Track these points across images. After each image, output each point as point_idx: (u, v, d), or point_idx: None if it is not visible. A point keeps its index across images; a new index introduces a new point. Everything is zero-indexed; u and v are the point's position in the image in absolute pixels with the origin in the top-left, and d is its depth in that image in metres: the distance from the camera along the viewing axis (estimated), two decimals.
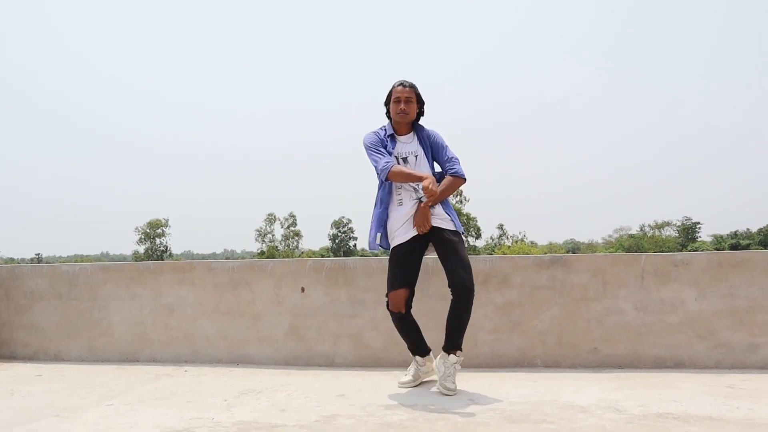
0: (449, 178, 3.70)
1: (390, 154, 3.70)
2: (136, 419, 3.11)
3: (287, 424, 2.96)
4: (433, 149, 3.79)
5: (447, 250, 3.60)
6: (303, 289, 4.42)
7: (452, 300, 3.56)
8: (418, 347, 3.75)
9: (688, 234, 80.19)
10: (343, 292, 4.36)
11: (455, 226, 3.68)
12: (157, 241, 76.34)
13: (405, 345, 3.96)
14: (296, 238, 78.56)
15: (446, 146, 3.79)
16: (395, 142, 3.77)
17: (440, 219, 3.65)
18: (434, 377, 3.74)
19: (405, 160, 3.72)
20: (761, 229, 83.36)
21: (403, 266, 3.66)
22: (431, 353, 3.80)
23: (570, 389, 3.50)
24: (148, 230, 75.77)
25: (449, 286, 3.55)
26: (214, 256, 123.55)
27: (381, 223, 3.73)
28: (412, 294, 3.67)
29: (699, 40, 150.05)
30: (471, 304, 3.53)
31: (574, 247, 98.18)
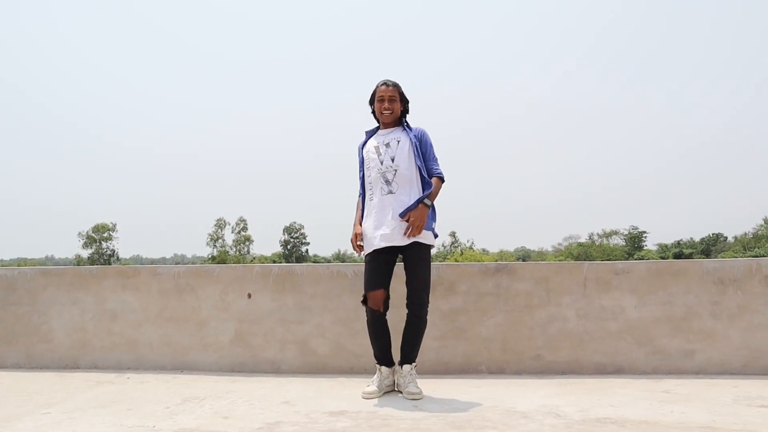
0: (437, 180, 3.74)
1: (367, 144, 3.85)
2: (74, 428, 3.03)
3: None
4: (422, 145, 3.80)
5: (411, 267, 3.68)
6: (250, 295, 4.38)
7: (407, 316, 3.70)
8: (385, 356, 3.75)
9: (634, 242, 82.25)
10: (290, 298, 4.34)
11: (431, 240, 3.71)
12: (104, 245, 74.64)
13: (352, 352, 3.97)
14: (247, 243, 77.81)
15: (432, 146, 3.84)
16: (374, 135, 3.88)
17: (393, 233, 3.64)
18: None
19: (387, 145, 3.76)
20: (703, 238, 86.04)
21: (376, 269, 3.68)
22: (396, 366, 3.78)
23: (513, 395, 3.55)
24: (93, 234, 73.97)
25: (406, 301, 3.70)
26: (164, 260, 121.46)
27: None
28: (388, 296, 3.70)
29: (655, 63, 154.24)
30: (424, 322, 3.68)
31: (524, 255, 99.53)
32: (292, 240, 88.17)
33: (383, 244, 3.63)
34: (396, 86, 3.83)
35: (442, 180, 3.76)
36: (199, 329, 4.42)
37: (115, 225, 75.54)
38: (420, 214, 3.60)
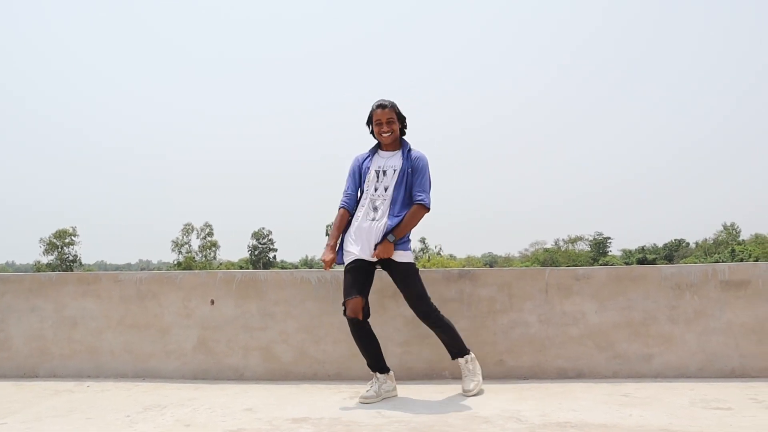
0: (415, 208, 3.79)
1: (368, 169, 3.88)
2: None
3: None
4: (413, 172, 3.85)
5: (401, 283, 3.81)
6: (213, 302, 4.35)
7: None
8: (377, 362, 3.76)
9: (599, 248, 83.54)
10: (254, 305, 4.32)
11: (407, 258, 3.82)
12: (66, 250, 73.27)
13: (316, 358, 3.97)
14: (214, 248, 77.07)
15: (424, 173, 3.86)
16: (375, 157, 3.94)
17: (396, 252, 3.78)
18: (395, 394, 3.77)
19: (384, 173, 3.84)
20: (666, 244, 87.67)
21: (354, 279, 3.74)
22: (392, 372, 3.82)
23: (475, 400, 3.58)
24: (54, 240, 72.55)
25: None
26: (129, 266, 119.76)
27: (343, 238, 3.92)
28: (366, 303, 3.73)
29: (623, 78, 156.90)
30: (440, 321, 3.78)
31: (491, 261, 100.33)
32: (260, 246, 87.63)
33: (359, 255, 3.76)
34: (393, 107, 3.88)
35: (423, 207, 3.80)
36: (162, 336, 4.38)
37: (75, 229, 74.19)
38: (384, 248, 3.71)
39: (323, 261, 3.83)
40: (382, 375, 3.74)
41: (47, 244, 72.65)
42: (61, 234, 73.09)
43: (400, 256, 3.77)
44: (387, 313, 4.21)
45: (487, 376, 4.14)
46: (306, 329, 4.25)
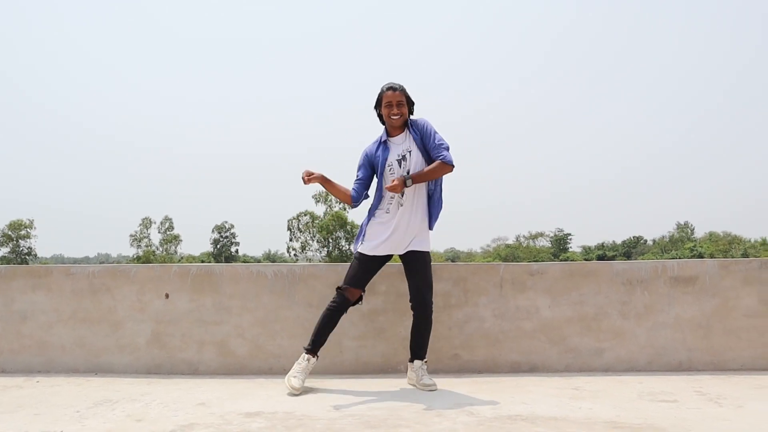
0: (436, 162, 3.80)
1: (385, 160, 3.86)
2: None
3: None
4: (423, 138, 3.87)
5: (413, 268, 3.85)
6: (167, 296, 4.30)
7: (414, 316, 3.87)
8: (320, 346, 3.83)
9: (559, 244, 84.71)
10: (209, 299, 4.28)
11: (427, 246, 3.89)
12: (21, 243, 71.53)
13: (271, 352, 3.97)
14: (175, 242, 76.08)
15: (435, 133, 3.88)
16: (387, 148, 3.90)
17: (418, 240, 3.85)
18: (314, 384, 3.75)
19: (403, 158, 3.84)
20: (625, 241, 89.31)
21: (369, 272, 3.89)
22: (410, 363, 3.91)
23: (430, 395, 3.61)
24: (9, 232, 70.78)
25: (410, 301, 3.84)
26: (87, 260, 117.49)
27: (362, 233, 3.96)
28: (362, 295, 3.91)
29: (588, 80, 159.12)
30: (431, 320, 3.85)
31: (454, 256, 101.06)
32: (222, 239, 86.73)
33: (385, 252, 3.85)
34: (403, 90, 3.88)
35: (446, 165, 3.81)
36: (115, 330, 4.31)
37: (32, 221, 72.46)
38: (395, 184, 3.71)
39: (311, 174, 3.86)
40: (313, 360, 3.82)
41: (1, 236, 70.83)
42: (16, 225, 71.31)
43: (422, 245, 3.85)
44: None
45: (442, 370, 4.18)
46: (262, 323, 4.24)
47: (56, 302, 4.36)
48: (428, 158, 3.85)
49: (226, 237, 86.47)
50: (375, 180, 3.99)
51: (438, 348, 4.20)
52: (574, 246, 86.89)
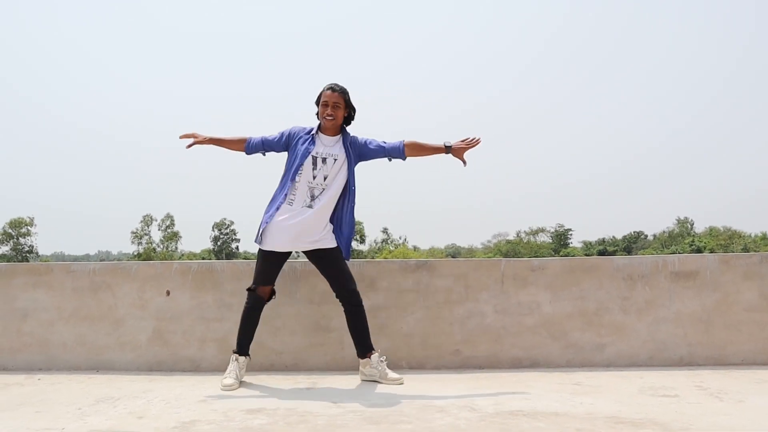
0: (406, 142, 3.93)
1: (306, 153, 3.80)
2: None
3: None
4: (360, 150, 3.90)
5: (326, 263, 3.83)
6: (168, 293, 4.31)
7: (344, 310, 3.87)
8: (248, 345, 3.90)
9: (560, 240, 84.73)
10: (210, 296, 4.29)
11: (336, 242, 3.84)
12: (21, 241, 71.53)
13: (273, 349, 3.98)
14: (175, 239, 76.11)
15: (367, 138, 3.94)
16: (314, 142, 3.86)
17: (318, 237, 3.79)
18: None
19: (324, 161, 3.79)
20: (625, 236, 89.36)
21: (273, 267, 3.88)
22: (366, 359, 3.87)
23: (431, 390, 3.62)
24: (9, 230, 70.76)
25: (337, 297, 3.83)
26: (87, 257, 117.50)
27: (261, 226, 3.87)
28: (273, 290, 3.95)
29: (587, 72, 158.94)
30: (362, 308, 3.82)
31: (455, 252, 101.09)
32: (222, 236, 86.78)
33: (287, 248, 3.81)
34: (343, 92, 3.84)
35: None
36: (116, 328, 4.32)
37: (32, 219, 72.47)
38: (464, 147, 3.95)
39: (194, 135, 3.89)
40: (244, 359, 3.87)
41: (2, 234, 70.82)
42: (16, 223, 71.30)
43: (330, 242, 3.82)
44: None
45: (443, 366, 4.19)
46: (263, 320, 4.22)
47: (57, 300, 4.36)
48: (352, 173, 3.86)
49: (227, 234, 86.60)
50: (280, 162, 3.97)
51: (439, 344, 4.20)
52: (575, 241, 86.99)
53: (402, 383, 3.74)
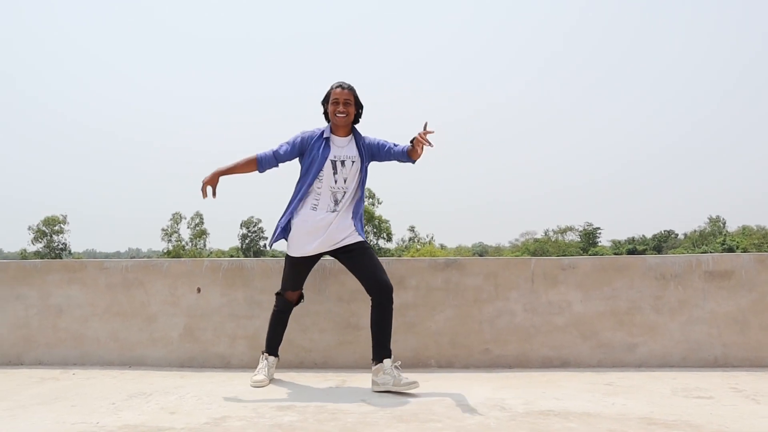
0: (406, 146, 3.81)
1: (324, 158, 3.75)
2: (14, 425, 2.98)
3: (175, 427, 2.91)
4: (373, 151, 3.87)
5: (356, 258, 3.75)
6: (199, 290, 4.35)
7: (373, 304, 3.69)
8: (277, 347, 3.94)
9: (589, 239, 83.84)
10: (240, 293, 4.32)
11: (361, 236, 3.81)
12: (55, 238, 72.84)
13: (302, 346, 4.00)
14: (203, 237, 76.87)
15: (380, 140, 3.89)
16: (329, 145, 3.79)
17: (346, 235, 3.75)
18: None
19: (343, 164, 3.76)
20: (655, 235, 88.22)
21: (302, 273, 3.88)
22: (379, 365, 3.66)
23: (460, 389, 3.60)
24: (43, 228, 72.10)
25: (368, 293, 3.70)
26: (118, 254, 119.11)
27: (285, 227, 3.83)
28: (302, 294, 3.99)
29: (616, 70, 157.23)
30: (391, 305, 3.67)
31: (482, 250, 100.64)
32: (249, 234, 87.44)
33: (314, 251, 3.75)
34: (352, 90, 3.82)
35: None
36: (148, 324, 4.37)
37: (65, 217, 73.76)
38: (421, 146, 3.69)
39: (203, 183, 3.75)
40: (273, 359, 3.92)
41: (36, 232, 72.19)
42: (50, 221, 72.60)
43: (355, 237, 3.78)
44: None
45: (473, 365, 4.17)
46: (292, 318, 4.24)
47: (91, 296, 4.43)
48: (366, 172, 3.86)
49: (254, 232, 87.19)
50: (293, 169, 3.93)
51: (469, 343, 4.19)
52: (604, 240, 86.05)
53: (417, 386, 3.50)
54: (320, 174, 3.76)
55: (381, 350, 3.64)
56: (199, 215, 77.56)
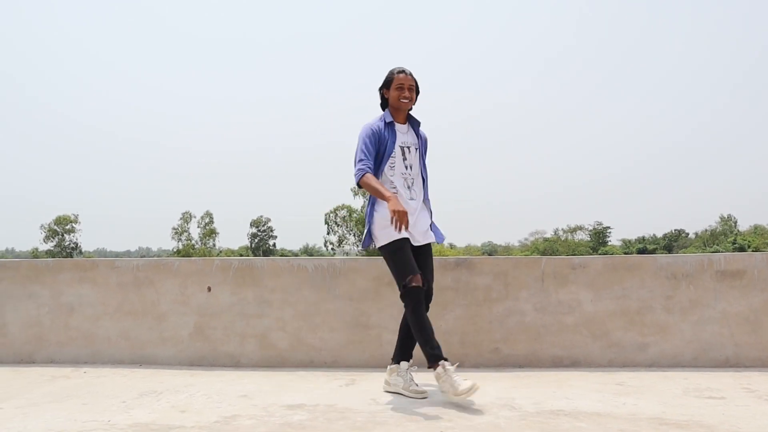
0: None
1: (393, 143, 3.62)
2: (26, 423, 2.99)
3: (186, 426, 2.92)
4: (425, 152, 3.81)
5: (421, 258, 3.60)
6: (209, 289, 4.36)
7: (411, 309, 3.45)
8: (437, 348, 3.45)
9: (598, 238, 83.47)
10: (250, 292, 4.33)
11: (436, 239, 3.72)
12: (67, 237, 73.25)
13: (312, 345, 3.97)
14: (213, 236, 77.05)
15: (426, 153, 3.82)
16: (394, 131, 3.68)
17: (431, 232, 3.68)
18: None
19: (409, 149, 3.69)
20: (666, 234, 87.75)
21: (409, 254, 3.50)
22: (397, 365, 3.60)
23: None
24: (55, 227, 72.53)
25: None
26: (128, 253, 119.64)
27: (369, 220, 3.66)
28: None
29: (622, 69, 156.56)
30: (427, 307, 3.55)
31: (491, 250, 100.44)
32: (259, 233, 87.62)
33: (421, 241, 3.60)
34: (413, 76, 3.73)
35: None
36: (159, 323, 4.39)
37: (77, 216, 74.13)
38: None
39: (397, 212, 3.34)
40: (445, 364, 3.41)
41: (48, 231, 72.60)
42: (61, 220, 72.99)
43: (436, 236, 3.72)
44: (383, 301, 4.22)
45: (483, 365, 4.17)
46: (302, 317, 4.26)
47: (102, 295, 4.45)
48: (423, 163, 3.76)
49: (264, 231, 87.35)
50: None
51: (478, 342, 4.18)
52: (614, 239, 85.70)
53: (426, 397, 3.41)
54: (391, 160, 3.65)
55: (404, 352, 3.60)
56: (209, 214, 77.73)
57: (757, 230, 74.76)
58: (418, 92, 3.76)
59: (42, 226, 72.66)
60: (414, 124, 3.78)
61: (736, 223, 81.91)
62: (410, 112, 3.79)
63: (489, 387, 3.62)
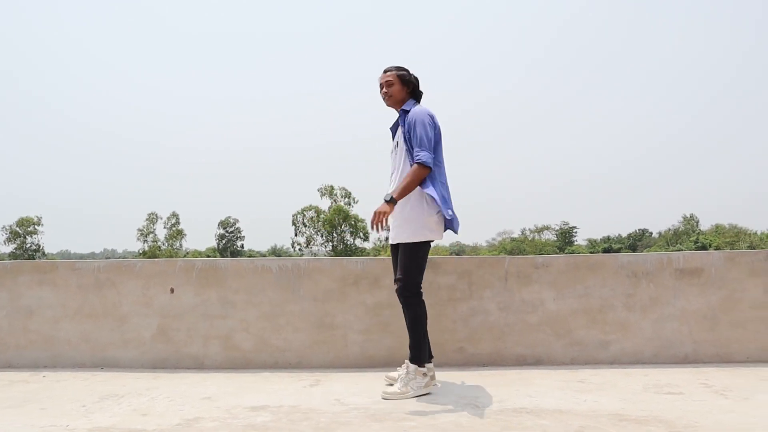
0: (413, 169, 3.50)
1: (393, 137, 3.81)
2: None
3: (147, 429, 2.89)
4: (409, 131, 3.62)
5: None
6: (172, 290, 4.31)
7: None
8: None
9: (565, 238, 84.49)
10: (214, 293, 4.29)
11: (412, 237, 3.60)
12: (29, 239, 71.78)
13: (276, 346, 3.95)
14: (179, 237, 76.19)
15: (416, 127, 3.56)
16: (396, 125, 3.82)
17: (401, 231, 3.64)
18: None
19: (397, 144, 3.74)
20: (630, 234, 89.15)
21: None
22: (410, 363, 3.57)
23: (435, 387, 3.61)
24: (17, 228, 71.05)
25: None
26: (93, 255, 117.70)
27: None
28: None
29: (591, 72, 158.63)
30: (408, 308, 3.55)
31: (459, 250, 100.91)
32: (227, 234, 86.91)
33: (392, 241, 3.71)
34: (390, 70, 3.75)
35: (421, 166, 3.49)
36: (120, 325, 4.32)
37: (40, 219, 72.69)
38: (379, 210, 3.47)
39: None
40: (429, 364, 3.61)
41: (9, 233, 71.07)
42: (24, 222, 71.51)
43: (408, 238, 3.61)
44: (348, 302, 4.22)
45: (447, 364, 4.18)
46: (267, 317, 4.24)
47: (62, 297, 4.37)
48: (409, 157, 3.62)
49: (231, 232, 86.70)
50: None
51: (443, 341, 4.19)
52: (580, 239, 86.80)
53: (396, 398, 3.39)
54: (390, 157, 3.82)
55: (410, 351, 3.59)
56: (175, 215, 76.82)
57: (718, 229, 76.33)
58: (410, 84, 3.75)
59: (3, 227, 71.09)
60: (402, 118, 3.72)
61: (698, 222, 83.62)
62: (406, 105, 3.74)
63: (453, 386, 3.64)
